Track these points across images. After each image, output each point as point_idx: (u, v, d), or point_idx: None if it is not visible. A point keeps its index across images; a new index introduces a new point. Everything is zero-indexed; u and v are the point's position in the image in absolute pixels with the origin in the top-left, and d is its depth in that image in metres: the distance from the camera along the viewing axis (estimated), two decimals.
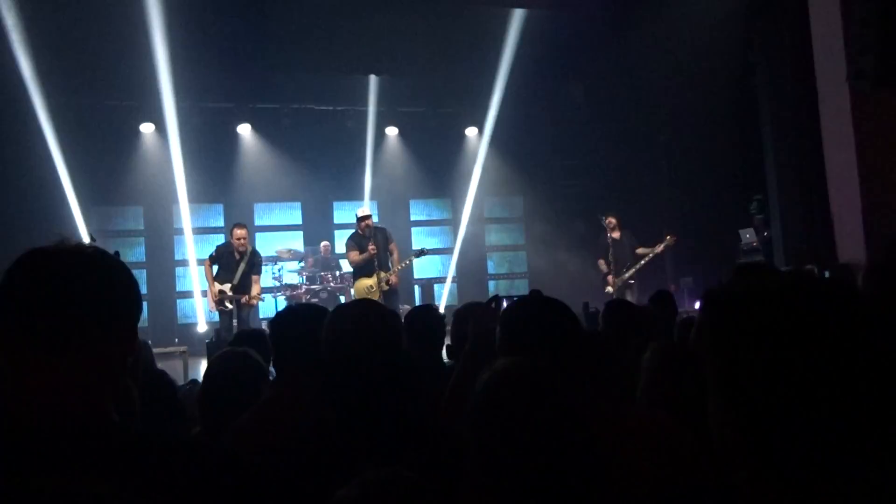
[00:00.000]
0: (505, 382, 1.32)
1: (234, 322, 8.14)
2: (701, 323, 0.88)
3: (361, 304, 1.93)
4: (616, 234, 9.52)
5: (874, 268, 1.96)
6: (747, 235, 9.23)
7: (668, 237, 9.19)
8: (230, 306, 8.12)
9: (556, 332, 1.67)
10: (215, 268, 8.29)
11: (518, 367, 1.35)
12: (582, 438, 1.28)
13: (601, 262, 9.57)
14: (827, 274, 6.69)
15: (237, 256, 8.20)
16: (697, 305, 4.43)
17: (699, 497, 1.23)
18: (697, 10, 9.04)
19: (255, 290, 8.15)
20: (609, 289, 9.31)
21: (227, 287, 8.14)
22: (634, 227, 9.97)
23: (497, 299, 2.06)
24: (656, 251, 9.22)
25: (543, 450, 1.24)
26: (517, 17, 10.35)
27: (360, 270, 8.50)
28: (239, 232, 8.19)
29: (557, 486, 1.24)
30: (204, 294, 11.44)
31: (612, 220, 9.55)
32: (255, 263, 8.27)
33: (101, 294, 1.07)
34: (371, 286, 8.36)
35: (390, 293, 8.43)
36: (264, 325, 10.30)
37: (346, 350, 1.64)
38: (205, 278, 8.44)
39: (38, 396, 1.01)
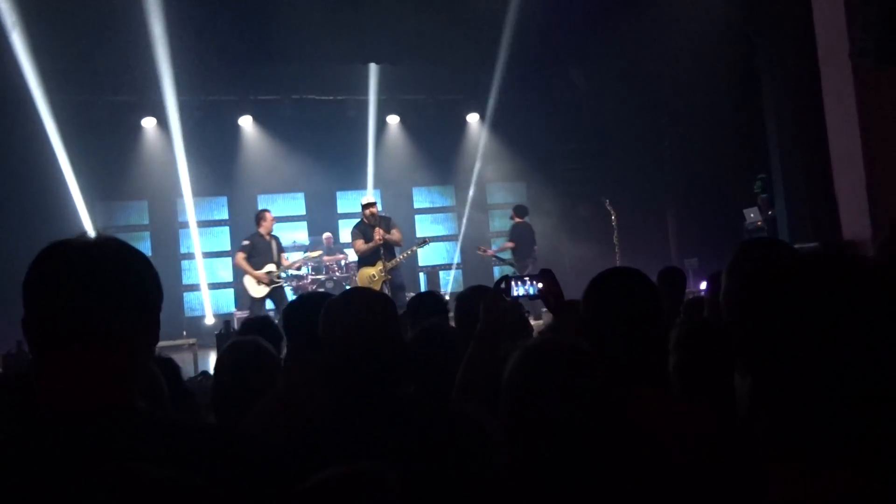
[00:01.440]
0: (538, 360, 1.33)
1: (271, 306, 8.74)
2: (730, 298, 0.89)
3: (353, 293, 1.94)
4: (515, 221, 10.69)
5: (885, 242, 1.98)
6: (751, 215, 9.22)
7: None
8: (281, 281, 8.90)
9: (644, 312, 1.63)
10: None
11: (551, 344, 1.36)
12: (617, 421, 1.29)
13: None
14: None
15: (268, 238, 8.92)
16: (703, 286, 4.40)
17: (729, 485, 1.24)
18: None
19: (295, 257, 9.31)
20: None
21: (272, 266, 8.77)
22: (638, 209, 10.03)
23: (507, 280, 2.06)
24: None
25: (576, 429, 1.25)
26: (516, 0, 10.29)
27: (365, 259, 8.52)
28: (269, 216, 9.06)
29: (589, 466, 1.25)
30: (213, 287, 11.52)
31: (512, 211, 10.85)
32: (280, 244, 9.17)
33: (125, 284, 1.09)
34: (374, 275, 8.39)
35: (395, 282, 8.45)
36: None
37: (340, 340, 1.66)
38: (239, 269, 9.18)
39: (66, 386, 1.03)
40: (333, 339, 1.68)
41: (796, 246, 6.80)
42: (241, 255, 8.78)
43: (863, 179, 6.32)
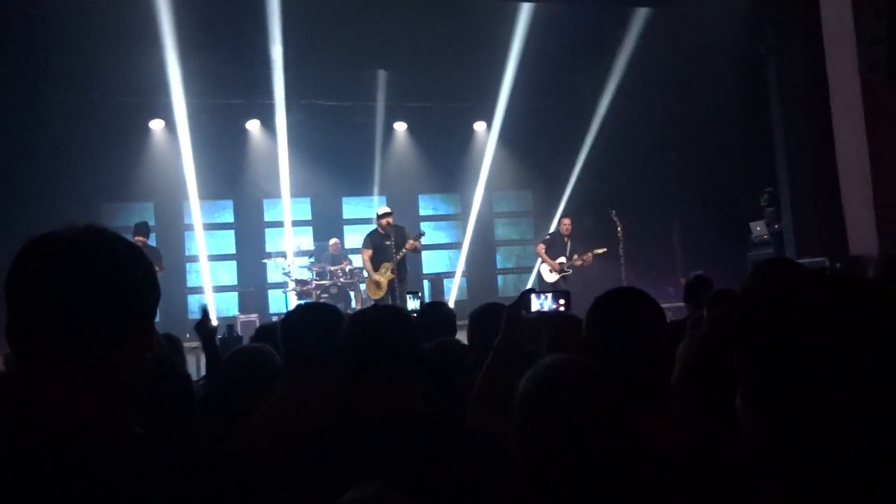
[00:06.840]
0: (554, 378, 1.33)
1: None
2: (734, 320, 0.88)
3: (382, 309, 1.98)
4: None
5: (888, 260, 1.97)
6: (758, 228, 9.18)
7: None
8: (569, 272, 9.43)
9: (647, 333, 1.65)
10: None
11: (565, 364, 1.36)
12: (626, 442, 1.29)
13: None
14: (838, 266, 6.66)
15: (566, 239, 9.58)
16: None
17: None
18: (709, 3, 8.99)
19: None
20: None
21: (563, 259, 9.42)
22: (644, 220, 10.03)
23: (528, 294, 2.09)
24: None
25: (588, 448, 1.25)
26: (526, 11, 10.32)
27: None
28: (566, 221, 9.74)
29: (599, 485, 1.25)
30: (217, 290, 11.53)
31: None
32: (574, 245, 9.74)
33: (116, 287, 0.95)
34: (379, 282, 8.42)
35: (400, 287, 8.48)
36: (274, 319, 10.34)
37: (365, 354, 1.67)
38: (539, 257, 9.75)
39: (45, 406, 0.90)
40: (359, 350, 1.68)
41: (804, 261, 6.78)
42: (542, 247, 9.66)
43: (870, 194, 6.30)
